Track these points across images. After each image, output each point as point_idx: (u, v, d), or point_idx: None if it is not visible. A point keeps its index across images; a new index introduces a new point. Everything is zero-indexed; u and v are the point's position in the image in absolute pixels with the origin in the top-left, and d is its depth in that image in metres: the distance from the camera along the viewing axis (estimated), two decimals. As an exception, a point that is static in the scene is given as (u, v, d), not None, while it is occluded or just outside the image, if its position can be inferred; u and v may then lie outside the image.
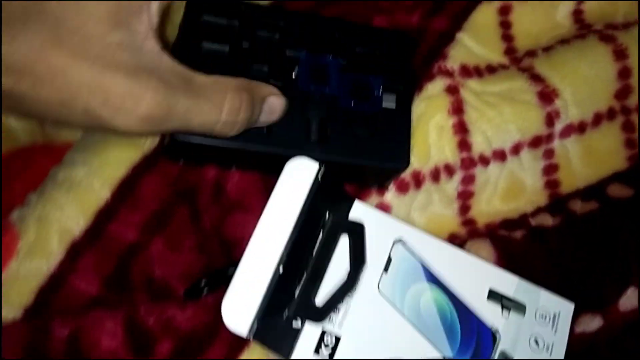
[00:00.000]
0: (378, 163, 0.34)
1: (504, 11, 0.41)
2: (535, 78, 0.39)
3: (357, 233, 0.31)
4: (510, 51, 0.41)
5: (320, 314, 0.30)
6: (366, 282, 0.31)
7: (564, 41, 0.41)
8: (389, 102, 0.35)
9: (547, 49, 0.40)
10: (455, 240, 0.38)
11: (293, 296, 0.30)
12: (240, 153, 0.32)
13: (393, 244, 0.32)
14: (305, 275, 0.30)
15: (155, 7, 0.25)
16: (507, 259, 0.36)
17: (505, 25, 0.41)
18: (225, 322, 0.27)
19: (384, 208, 0.37)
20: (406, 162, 0.34)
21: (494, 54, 0.40)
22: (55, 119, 0.24)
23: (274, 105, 0.30)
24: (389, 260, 0.32)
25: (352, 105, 0.34)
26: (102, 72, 0.23)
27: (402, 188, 0.37)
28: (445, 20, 0.40)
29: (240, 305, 0.28)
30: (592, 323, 0.36)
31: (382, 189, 0.37)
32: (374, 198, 0.37)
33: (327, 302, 0.30)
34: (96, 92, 0.23)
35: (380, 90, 0.35)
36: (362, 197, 0.37)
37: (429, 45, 0.40)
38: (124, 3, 0.24)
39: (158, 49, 0.25)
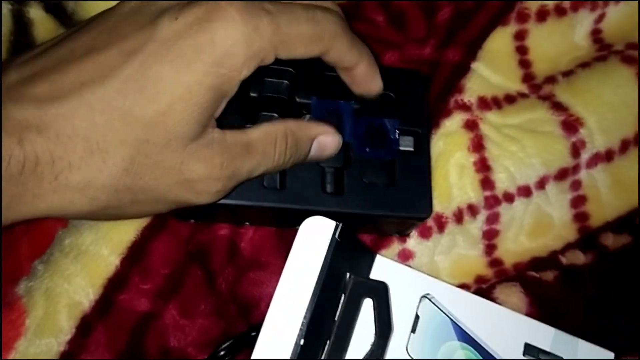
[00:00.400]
0: (399, 213, 0.32)
1: (520, 36, 0.39)
2: (557, 107, 0.37)
3: (380, 295, 0.29)
4: (528, 78, 0.39)
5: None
6: (393, 344, 0.29)
7: (584, 64, 0.39)
8: (406, 145, 0.33)
9: (568, 74, 0.39)
10: (483, 282, 0.36)
11: None
12: (254, 210, 0.30)
13: (420, 301, 0.30)
14: (329, 342, 0.28)
15: (224, 103, 0.27)
16: (540, 304, 0.35)
17: (522, 50, 0.39)
18: None
19: (407, 255, 0.35)
20: (429, 210, 0.32)
21: (511, 82, 0.39)
22: (143, 214, 0.30)
23: (325, 143, 0.30)
24: (417, 318, 0.30)
25: (368, 151, 0.32)
26: (188, 170, 0.26)
27: (425, 234, 0.35)
28: (459, 51, 0.38)
29: None
30: (633, 367, 0.34)
31: (403, 237, 0.35)
32: (395, 246, 0.35)
33: None
34: (184, 186, 0.26)
35: (397, 133, 0.33)
36: (383, 245, 0.35)
37: (443, 78, 0.38)
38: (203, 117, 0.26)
39: (219, 132, 0.27)
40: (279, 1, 0.27)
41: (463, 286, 0.36)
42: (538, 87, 0.39)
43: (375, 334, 0.28)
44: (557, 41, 0.39)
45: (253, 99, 0.32)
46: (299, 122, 0.29)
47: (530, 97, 0.38)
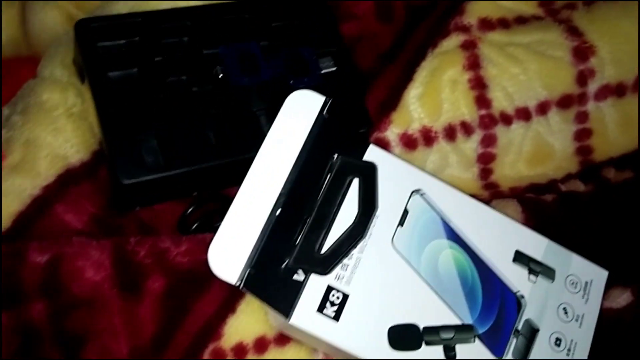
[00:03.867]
0: None
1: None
2: (572, 31, 0.36)
3: (368, 174, 0.28)
4: (546, 3, 0.38)
5: (324, 265, 0.26)
6: (379, 235, 0.28)
7: (606, -5, 0.37)
8: (327, 66, 0.33)
9: (589, 3, 0.37)
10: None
11: (295, 244, 0.27)
12: (196, 174, 0.30)
13: (411, 195, 0.29)
14: (308, 221, 0.27)
15: None
16: (536, 221, 0.33)
17: (542, -26, 0.38)
18: (211, 268, 0.25)
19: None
20: (368, 121, 0.32)
21: (526, 5, 0.37)
22: None
23: None
24: (406, 212, 0.28)
25: (292, 83, 0.32)
26: None
27: (410, 144, 0.34)
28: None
29: (231, 250, 0.25)
30: (621, 298, 0.32)
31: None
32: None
33: (332, 250, 0.27)
34: None
35: (314, 57, 0.33)
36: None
37: (445, 5, 0.37)
38: None
39: None
40: None
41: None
42: (556, 11, 0.37)
43: (358, 211, 0.27)
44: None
45: (156, 65, 0.31)
46: None
47: (545, 19, 0.37)
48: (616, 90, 0.36)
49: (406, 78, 0.35)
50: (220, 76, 0.31)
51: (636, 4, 0.36)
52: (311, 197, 0.27)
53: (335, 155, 0.28)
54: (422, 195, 0.29)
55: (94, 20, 0.31)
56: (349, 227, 0.27)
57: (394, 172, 0.29)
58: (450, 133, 0.35)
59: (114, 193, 0.31)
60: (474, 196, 0.34)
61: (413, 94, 0.35)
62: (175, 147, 0.29)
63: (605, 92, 0.36)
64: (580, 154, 0.36)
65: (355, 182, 0.28)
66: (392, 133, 0.34)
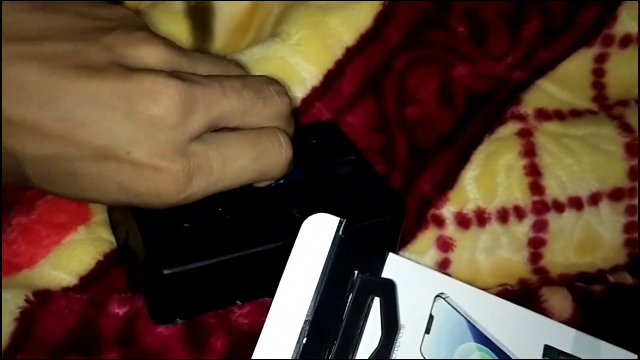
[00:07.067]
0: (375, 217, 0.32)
1: (600, 59, 0.40)
2: (625, 127, 0.37)
3: (387, 293, 0.28)
4: (600, 98, 0.39)
5: (354, 388, 0.27)
6: (407, 345, 0.28)
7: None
8: (347, 170, 0.35)
9: (642, 101, 0.39)
10: (527, 285, 0.36)
11: None
12: (241, 262, 0.30)
13: (434, 300, 0.29)
14: (335, 343, 0.27)
15: None
16: (586, 310, 0.34)
17: (599, 73, 0.40)
18: None
19: (447, 245, 0.36)
20: (401, 207, 0.33)
21: (580, 100, 0.39)
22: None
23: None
24: (431, 318, 0.29)
25: (318, 184, 0.33)
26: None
27: (464, 223, 0.36)
28: (529, 70, 0.39)
29: None
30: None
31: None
32: (433, 231, 0.36)
33: None
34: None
35: (336, 162, 0.35)
36: (418, 234, 0.36)
37: (505, 92, 0.39)
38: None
39: None
40: (230, 152, 0.28)
41: (505, 287, 0.35)
42: (609, 107, 0.39)
43: (382, 332, 0.28)
44: (635, 68, 0.40)
45: None
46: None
47: (599, 114, 0.39)
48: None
49: (463, 160, 0.37)
50: None
51: None
52: (335, 320, 0.27)
53: (355, 273, 0.28)
54: (445, 298, 0.29)
55: None
56: (374, 350, 0.27)
57: (415, 279, 0.29)
58: (503, 216, 0.36)
59: (152, 293, 0.30)
60: (521, 286, 0.35)
61: (470, 175, 0.37)
62: (210, 237, 0.29)
63: (656, 188, 0.37)
64: (628, 246, 0.37)
65: (377, 301, 0.28)
66: (447, 211, 0.36)
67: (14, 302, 0.28)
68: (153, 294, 0.29)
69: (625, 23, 0.39)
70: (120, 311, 0.29)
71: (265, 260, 0.29)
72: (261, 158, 0.29)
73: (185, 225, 0.29)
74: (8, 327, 0.28)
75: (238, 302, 0.31)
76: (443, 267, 0.36)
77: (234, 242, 0.29)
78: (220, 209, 0.31)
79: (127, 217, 0.30)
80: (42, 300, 0.29)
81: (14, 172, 0.27)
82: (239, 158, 0.28)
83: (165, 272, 0.27)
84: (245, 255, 0.29)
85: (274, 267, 0.27)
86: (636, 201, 0.37)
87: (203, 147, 0.27)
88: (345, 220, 0.28)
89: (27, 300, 0.28)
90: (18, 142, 0.25)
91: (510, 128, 0.38)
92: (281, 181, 0.33)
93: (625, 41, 0.40)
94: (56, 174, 0.26)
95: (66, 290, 0.30)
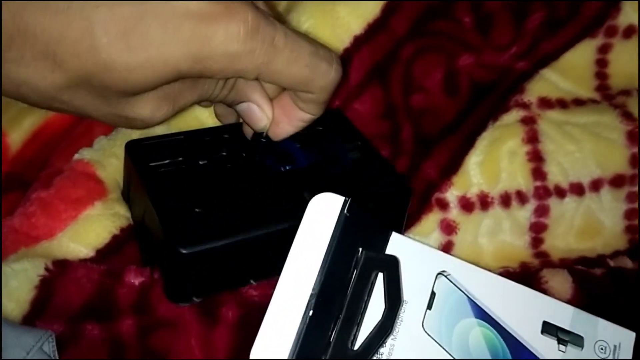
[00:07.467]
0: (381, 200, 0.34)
1: (604, 49, 0.41)
2: (627, 116, 0.38)
3: (390, 268, 0.29)
4: (602, 88, 0.40)
5: (358, 360, 0.27)
6: (409, 320, 0.29)
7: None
8: (354, 155, 0.36)
9: (643, 90, 0.39)
10: (528, 269, 0.37)
11: (329, 341, 0.28)
12: (254, 242, 0.31)
13: (436, 277, 0.30)
14: (340, 317, 0.28)
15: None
16: (586, 292, 0.35)
17: (602, 63, 0.41)
18: None
19: (450, 227, 0.37)
20: (407, 191, 0.35)
21: (583, 89, 0.40)
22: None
23: (253, 113, 0.32)
24: (433, 295, 0.30)
25: (327, 169, 0.34)
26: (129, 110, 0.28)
27: (467, 207, 0.37)
28: (533, 60, 0.40)
29: (271, 352, 0.26)
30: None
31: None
32: (437, 214, 0.37)
33: (364, 346, 0.28)
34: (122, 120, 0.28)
35: (343, 148, 0.36)
36: (422, 217, 0.37)
37: (509, 82, 0.40)
38: None
39: None
40: (293, 34, 0.29)
41: (506, 269, 0.36)
42: (611, 96, 0.40)
43: (385, 306, 0.29)
44: (637, 58, 0.40)
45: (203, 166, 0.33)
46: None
47: (602, 103, 0.39)
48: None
49: (467, 146, 0.38)
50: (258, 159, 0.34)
51: None
52: (340, 294, 0.28)
53: (360, 250, 0.29)
54: (447, 276, 0.30)
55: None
56: (378, 323, 0.28)
57: (417, 257, 0.30)
58: (505, 200, 0.37)
59: (170, 273, 0.31)
60: (522, 269, 0.36)
61: (474, 161, 0.38)
62: (225, 219, 0.31)
63: (657, 176, 0.37)
64: (629, 232, 0.37)
65: (380, 276, 0.29)
66: (451, 195, 0.37)
67: (34, 270, 0.29)
68: (171, 274, 0.30)
69: (628, 14, 0.40)
70: (136, 281, 0.30)
71: (277, 240, 0.30)
72: (316, 59, 0.29)
73: (197, 210, 0.30)
74: (28, 294, 0.29)
75: (252, 281, 0.32)
76: (446, 249, 0.37)
77: (248, 223, 0.31)
78: (231, 195, 0.32)
79: (143, 198, 0.31)
80: (61, 269, 0.30)
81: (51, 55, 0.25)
82: (299, 44, 0.29)
83: (184, 251, 0.28)
84: (258, 236, 0.31)
85: (285, 247, 0.28)
86: (637, 188, 0.37)
87: (273, 22, 0.28)
88: (350, 200, 0.29)
89: (47, 269, 0.30)
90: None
91: (514, 115, 0.39)
92: (288, 167, 0.34)
93: (629, 32, 0.40)
94: (127, 23, 0.25)
95: (83, 261, 0.31)
